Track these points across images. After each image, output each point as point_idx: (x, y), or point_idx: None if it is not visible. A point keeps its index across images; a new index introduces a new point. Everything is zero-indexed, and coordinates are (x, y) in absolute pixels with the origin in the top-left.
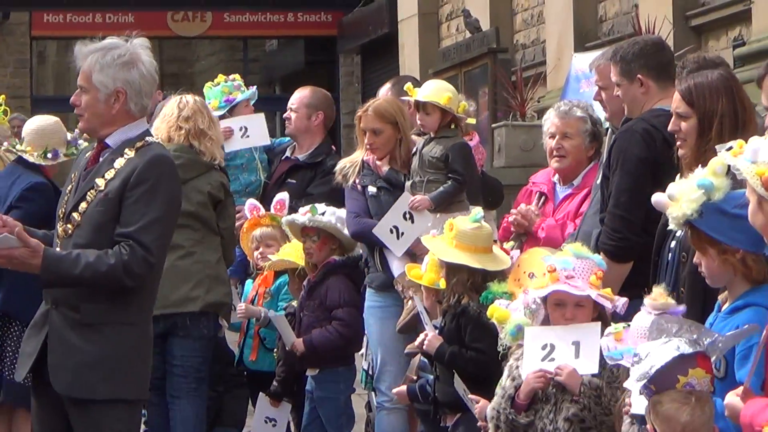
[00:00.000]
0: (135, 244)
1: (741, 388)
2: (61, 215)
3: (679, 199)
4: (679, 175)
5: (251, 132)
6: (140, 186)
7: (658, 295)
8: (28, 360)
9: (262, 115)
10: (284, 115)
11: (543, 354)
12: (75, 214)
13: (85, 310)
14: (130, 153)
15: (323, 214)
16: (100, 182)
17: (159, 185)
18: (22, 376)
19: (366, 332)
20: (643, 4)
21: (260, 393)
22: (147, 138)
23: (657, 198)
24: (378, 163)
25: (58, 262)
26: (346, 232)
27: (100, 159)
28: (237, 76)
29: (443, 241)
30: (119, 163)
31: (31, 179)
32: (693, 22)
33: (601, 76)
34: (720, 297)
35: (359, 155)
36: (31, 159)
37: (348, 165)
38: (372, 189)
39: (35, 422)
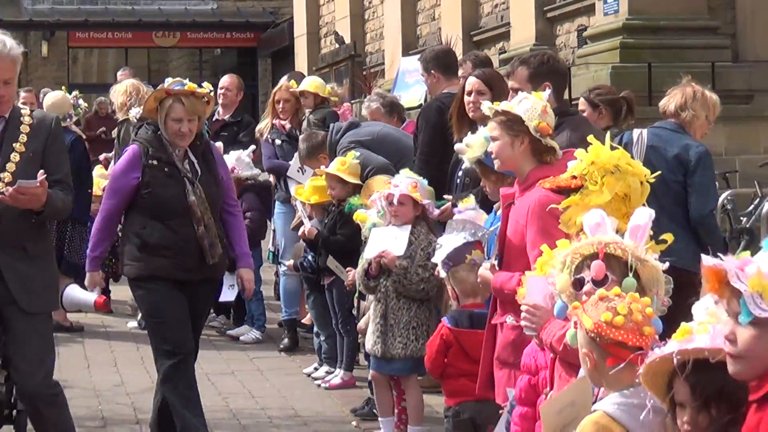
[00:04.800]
0: None
1: (489, 263)
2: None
3: (473, 146)
4: (469, 132)
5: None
6: None
7: (467, 202)
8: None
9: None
10: (221, 92)
11: (379, 243)
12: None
13: None
14: None
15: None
16: None
17: None
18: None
19: (274, 227)
20: (444, 27)
21: None
22: None
23: (458, 146)
24: (283, 123)
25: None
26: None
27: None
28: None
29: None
30: None
31: (71, 134)
32: (474, 38)
33: None
34: (495, 206)
35: (268, 120)
36: None
37: (263, 127)
38: (278, 141)
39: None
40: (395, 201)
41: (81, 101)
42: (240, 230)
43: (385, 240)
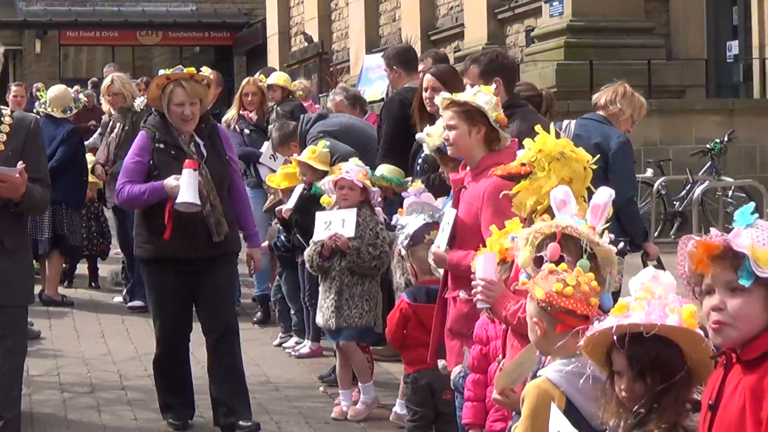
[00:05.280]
0: None
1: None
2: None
3: (433, 135)
4: (428, 124)
5: None
6: None
7: (416, 186)
8: None
9: None
10: None
11: (326, 226)
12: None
13: None
14: None
15: None
16: None
17: None
18: None
19: None
20: (404, 28)
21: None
22: None
23: (419, 135)
24: (250, 114)
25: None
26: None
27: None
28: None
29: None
30: None
31: (70, 125)
32: (432, 38)
33: None
34: (453, 190)
35: (234, 111)
36: (58, 115)
37: (230, 118)
38: (246, 131)
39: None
40: (355, 184)
41: (81, 95)
42: (247, 211)
43: (334, 222)
